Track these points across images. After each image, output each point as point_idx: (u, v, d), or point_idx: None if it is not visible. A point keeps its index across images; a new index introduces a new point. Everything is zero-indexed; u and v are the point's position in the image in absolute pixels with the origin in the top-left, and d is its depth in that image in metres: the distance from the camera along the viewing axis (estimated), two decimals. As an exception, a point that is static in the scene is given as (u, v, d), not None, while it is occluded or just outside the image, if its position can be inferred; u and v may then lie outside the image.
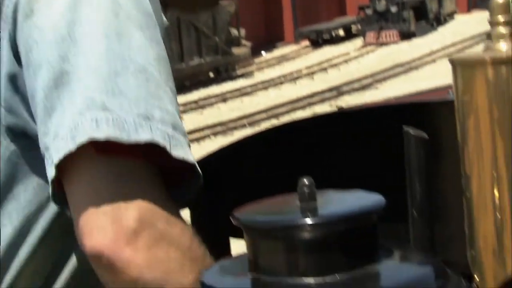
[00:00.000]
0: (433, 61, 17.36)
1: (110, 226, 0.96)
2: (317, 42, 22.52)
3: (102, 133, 0.96)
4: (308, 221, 0.70)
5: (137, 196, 0.97)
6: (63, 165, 0.98)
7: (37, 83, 1.01)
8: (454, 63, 0.65)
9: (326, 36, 22.67)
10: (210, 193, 1.11)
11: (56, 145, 0.98)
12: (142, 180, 0.99)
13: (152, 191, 0.99)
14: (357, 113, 1.30)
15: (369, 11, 21.91)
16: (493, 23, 0.65)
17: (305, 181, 0.74)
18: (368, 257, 0.72)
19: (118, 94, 0.98)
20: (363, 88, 15.16)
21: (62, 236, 1.12)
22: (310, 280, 0.70)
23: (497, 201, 0.65)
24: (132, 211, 0.96)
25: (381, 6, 21.55)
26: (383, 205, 0.72)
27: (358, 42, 22.10)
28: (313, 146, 1.23)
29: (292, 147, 1.23)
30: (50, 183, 0.99)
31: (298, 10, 25.01)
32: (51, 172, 0.98)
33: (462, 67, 0.64)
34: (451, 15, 24.66)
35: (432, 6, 22.99)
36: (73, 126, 0.97)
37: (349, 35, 23.31)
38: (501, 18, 0.65)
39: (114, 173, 0.98)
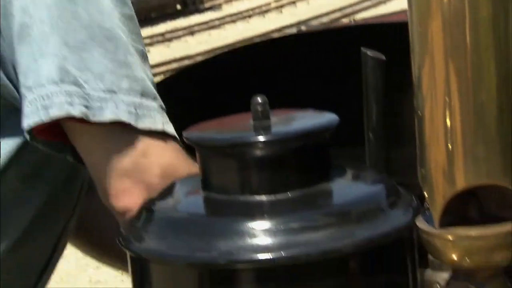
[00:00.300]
0: (402, -5, 17.30)
1: (136, 187, 0.97)
2: (287, -25, 22.30)
3: (77, 110, 0.95)
4: (261, 138, 0.69)
5: (154, 153, 0.98)
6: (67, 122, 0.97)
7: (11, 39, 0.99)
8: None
9: (295, -31, 22.46)
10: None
11: (26, 108, 0.96)
12: (153, 138, 0.99)
13: (163, 144, 0.99)
14: (316, 34, 1.29)
15: None
16: None
17: (259, 99, 0.73)
18: (321, 175, 0.71)
19: (84, 69, 0.96)
20: (332, 22, 15.08)
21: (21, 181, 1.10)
22: (262, 197, 0.69)
23: (448, 124, 0.65)
24: (153, 168, 0.97)
25: None
26: (336, 123, 0.72)
27: (328, -25, 21.94)
28: (272, 68, 1.22)
29: (250, 70, 1.22)
30: (29, 139, 0.98)
31: None
32: (25, 134, 0.97)
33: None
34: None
35: None
36: (44, 94, 0.95)
37: (319, -32, 23.12)
38: None
39: (119, 137, 0.98)
